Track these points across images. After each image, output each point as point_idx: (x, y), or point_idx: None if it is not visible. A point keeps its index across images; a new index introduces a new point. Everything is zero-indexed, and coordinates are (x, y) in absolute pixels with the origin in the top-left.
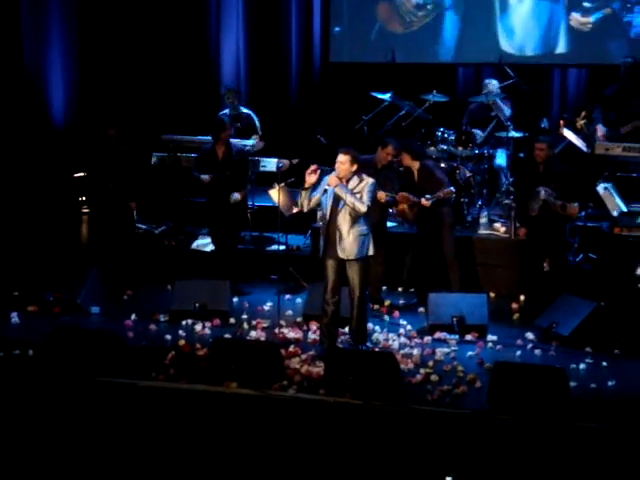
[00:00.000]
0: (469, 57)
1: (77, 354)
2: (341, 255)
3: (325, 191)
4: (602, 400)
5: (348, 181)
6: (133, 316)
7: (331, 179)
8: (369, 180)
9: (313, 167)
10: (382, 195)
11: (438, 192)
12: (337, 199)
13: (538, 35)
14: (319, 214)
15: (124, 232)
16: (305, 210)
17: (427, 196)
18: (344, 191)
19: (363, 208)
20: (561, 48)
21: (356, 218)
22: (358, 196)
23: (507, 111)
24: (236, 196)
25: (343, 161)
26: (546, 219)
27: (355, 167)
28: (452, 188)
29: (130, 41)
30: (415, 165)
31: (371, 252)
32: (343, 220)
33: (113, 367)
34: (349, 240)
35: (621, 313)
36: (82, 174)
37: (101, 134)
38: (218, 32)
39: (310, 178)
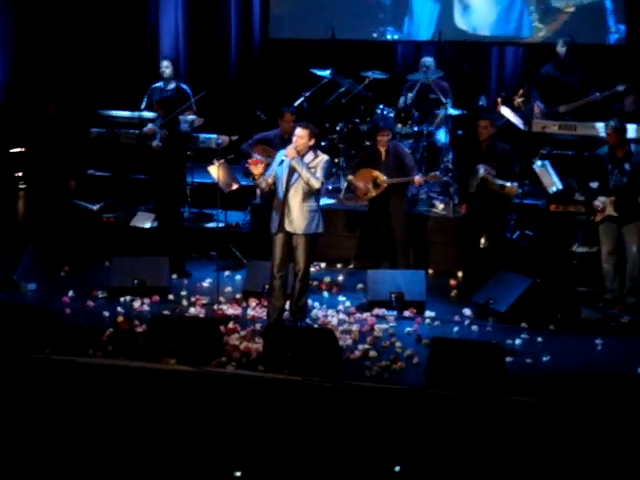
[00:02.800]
0: (418, 35)
1: (13, 330)
2: (288, 228)
3: (281, 162)
4: (537, 375)
5: (304, 155)
6: (70, 293)
7: (289, 151)
8: (324, 157)
9: (253, 160)
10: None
11: (429, 175)
12: (291, 172)
13: (497, 16)
14: (257, 191)
15: (61, 208)
16: (266, 189)
17: (419, 175)
18: (300, 165)
19: (317, 184)
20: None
21: (308, 193)
22: (313, 171)
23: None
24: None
25: (302, 135)
26: (484, 196)
27: (313, 142)
28: (437, 173)
29: (68, 14)
30: (386, 146)
31: (320, 229)
32: (295, 193)
33: (50, 344)
34: (298, 214)
35: (556, 289)
36: (19, 149)
37: (40, 108)
38: (157, 6)
39: (256, 169)
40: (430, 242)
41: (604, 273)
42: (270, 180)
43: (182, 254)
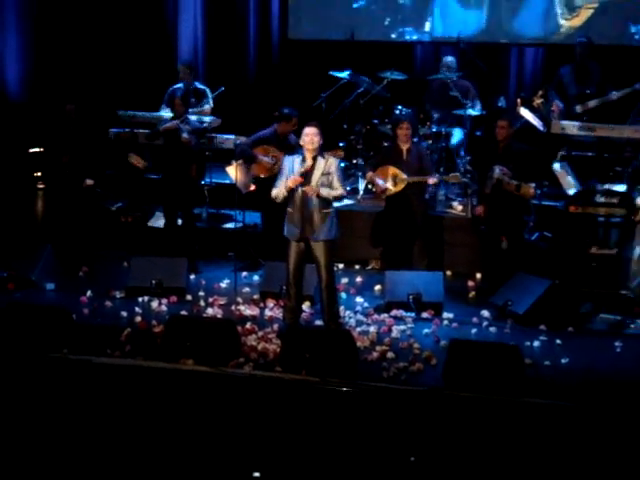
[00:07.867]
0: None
1: (30, 330)
2: (309, 235)
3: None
4: (556, 377)
5: (315, 159)
6: (89, 292)
7: (309, 190)
8: (333, 161)
9: (298, 179)
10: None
11: (449, 175)
12: (305, 179)
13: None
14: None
15: (80, 208)
16: (280, 201)
17: (437, 175)
18: (326, 193)
19: (345, 193)
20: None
21: (324, 198)
22: (335, 186)
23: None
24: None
25: (316, 132)
26: (501, 198)
27: (322, 140)
28: (457, 174)
29: (87, 15)
30: (408, 144)
31: (337, 234)
32: (312, 200)
33: (67, 344)
34: (318, 220)
35: (575, 291)
36: (37, 149)
37: (59, 109)
38: (176, 7)
39: (293, 183)
40: (448, 243)
41: (631, 273)
42: (285, 192)
43: (194, 253)
